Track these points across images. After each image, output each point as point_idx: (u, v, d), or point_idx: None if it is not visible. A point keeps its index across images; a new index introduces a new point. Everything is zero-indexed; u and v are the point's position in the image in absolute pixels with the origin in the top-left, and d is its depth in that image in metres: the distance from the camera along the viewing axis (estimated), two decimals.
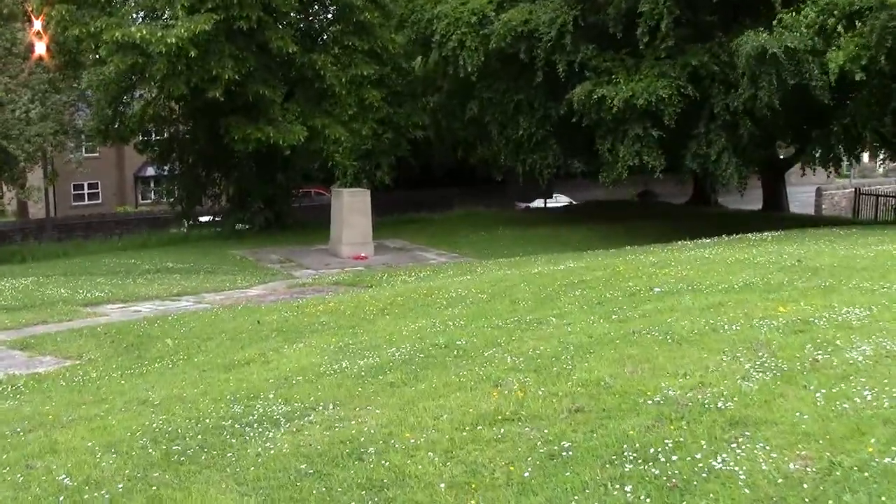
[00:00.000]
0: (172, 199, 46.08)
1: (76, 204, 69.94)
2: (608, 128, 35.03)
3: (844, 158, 42.46)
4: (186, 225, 45.23)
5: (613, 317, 11.17)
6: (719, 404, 6.94)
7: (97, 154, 66.18)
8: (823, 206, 57.79)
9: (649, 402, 7.29)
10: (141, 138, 45.18)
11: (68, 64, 44.07)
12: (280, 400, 9.06)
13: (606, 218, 44.26)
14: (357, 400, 8.63)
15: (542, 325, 11.30)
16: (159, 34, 33.32)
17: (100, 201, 71.36)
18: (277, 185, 44.38)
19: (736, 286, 12.69)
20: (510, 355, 9.53)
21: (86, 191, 71.12)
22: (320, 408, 8.49)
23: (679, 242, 28.28)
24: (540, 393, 7.89)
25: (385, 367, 9.92)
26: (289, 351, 12.55)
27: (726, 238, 27.28)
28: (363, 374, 9.74)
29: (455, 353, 10.17)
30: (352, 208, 34.84)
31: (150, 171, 64.44)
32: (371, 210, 35.59)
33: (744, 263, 15.49)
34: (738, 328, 9.48)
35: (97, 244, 40.24)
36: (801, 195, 57.92)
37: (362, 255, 34.08)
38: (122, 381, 11.81)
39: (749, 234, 27.75)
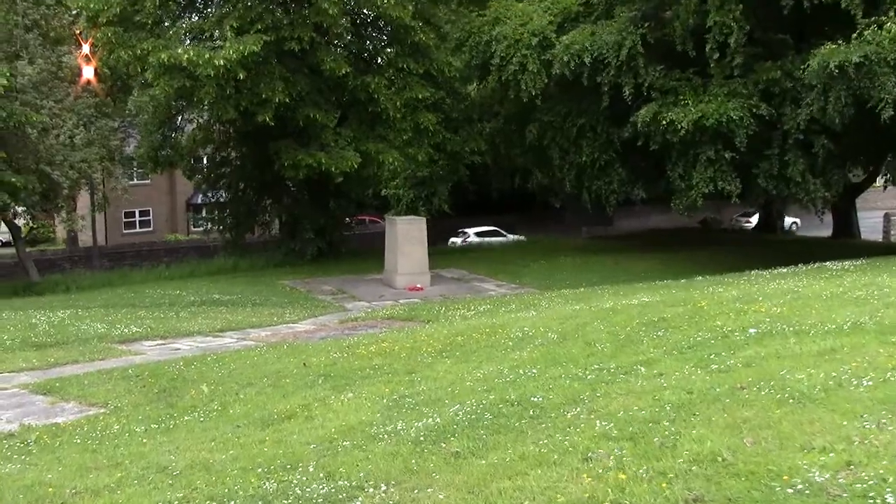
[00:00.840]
0: (222, 227, 44.82)
1: (127, 232, 69.22)
2: (678, 152, 33.37)
3: None
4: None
5: (712, 366, 9.57)
6: (889, 498, 5.33)
7: (149, 181, 65.48)
8: (893, 232, 55.63)
9: (789, 489, 5.68)
10: (191, 163, 43.92)
11: (116, 89, 43.13)
12: (322, 474, 7.51)
13: (669, 246, 42.64)
14: (415, 477, 7.07)
15: (628, 377, 9.71)
16: (207, 56, 32.03)
17: (151, 229, 70.59)
18: (330, 213, 42.99)
19: (844, 327, 11.01)
20: (597, 417, 7.96)
21: (137, 218, 70.43)
22: (370, 487, 6.94)
23: (752, 272, 26.73)
24: (642, 472, 6.31)
25: (447, 429, 8.35)
26: (336, 402, 11.04)
27: (804, 267, 25.65)
28: (422, 438, 8.17)
29: (530, 412, 8.60)
30: (407, 237, 33.38)
31: (202, 199, 63.54)
32: (427, 238, 34.13)
33: (841, 299, 13.79)
34: (870, 383, 7.87)
35: (143, 274, 38.95)
36: (867, 220, 55.72)
37: (418, 285, 32.62)
38: (145, 440, 10.34)
39: (827, 263, 26.10)
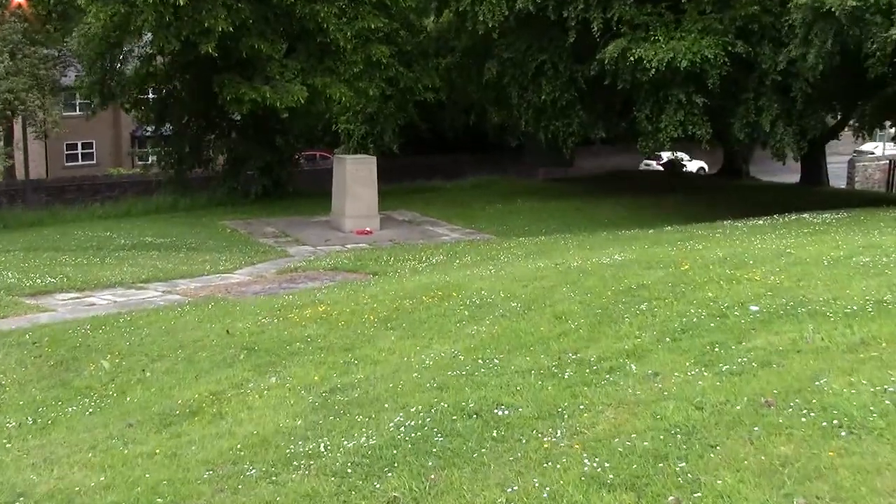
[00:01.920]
0: (163, 163, 42.21)
1: (69, 164, 66.28)
2: (646, 92, 31.37)
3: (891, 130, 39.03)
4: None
5: (720, 365, 7.66)
6: None
7: (89, 111, 62.60)
8: (856, 179, 54.14)
9: None
10: (135, 97, 41.06)
11: (57, 14, 40.42)
12: None
13: (632, 190, 40.71)
14: None
15: (616, 377, 7.76)
16: None
17: (94, 161, 67.57)
18: (276, 150, 40.55)
19: (866, 308, 9.14)
20: (583, 446, 6.04)
21: (80, 150, 67.44)
22: None
23: (724, 223, 25.02)
24: None
25: (384, 455, 6.38)
26: (254, 392, 9.10)
27: (780, 219, 24.01)
28: (349, 471, 6.20)
29: (493, 432, 6.64)
30: (356, 177, 31.23)
31: (147, 132, 60.67)
32: (377, 179, 32.00)
33: (846, 266, 11.91)
34: None
35: (75, 212, 36.31)
36: (830, 167, 54.05)
37: (367, 229, 30.57)
38: (10, 443, 8.33)
39: (805, 215, 24.50)
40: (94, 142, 67.30)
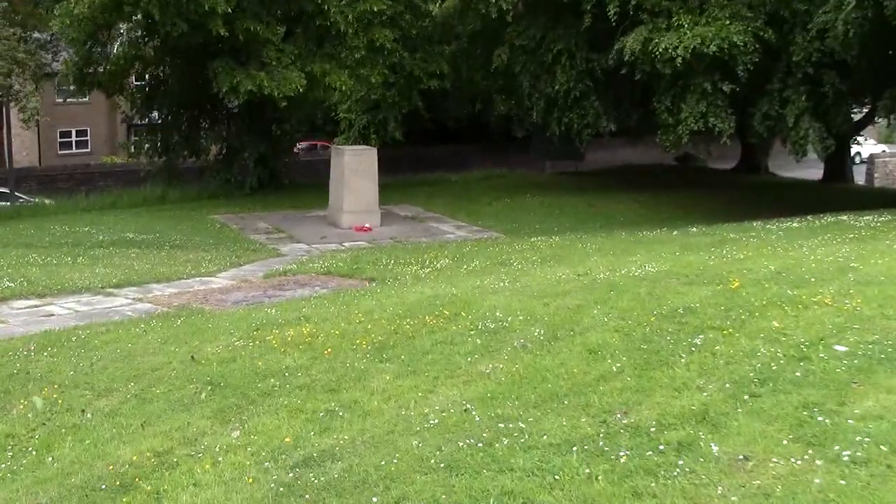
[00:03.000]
0: (152, 153, 39.94)
1: (63, 153, 64.18)
2: (667, 82, 29.26)
3: None
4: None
5: (834, 447, 5.59)
6: None
7: (87, 98, 60.54)
8: (876, 176, 51.96)
9: None
10: (122, 84, 38.66)
11: None
12: None
13: (647, 186, 38.56)
14: None
15: (689, 460, 5.66)
16: None
17: (89, 150, 65.39)
18: (273, 139, 38.39)
19: None
20: None
21: (74, 138, 65.28)
22: None
23: (754, 224, 23.11)
24: None
25: None
26: (206, 459, 7.05)
27: (816, 221, 22.09)
28: None
29: None
30: (355, 170, 29.14)
31: (145, 120, 58.37)
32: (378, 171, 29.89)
33: None
34: None
35: (57, 203, 34.03)
36: None
37: (366, 225, 28.54)
38: None
39: (843, 217, 22.52)
40: (88, 129, 65.19)
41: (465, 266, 17.64)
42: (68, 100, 61.80)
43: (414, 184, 40.69)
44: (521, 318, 10.87)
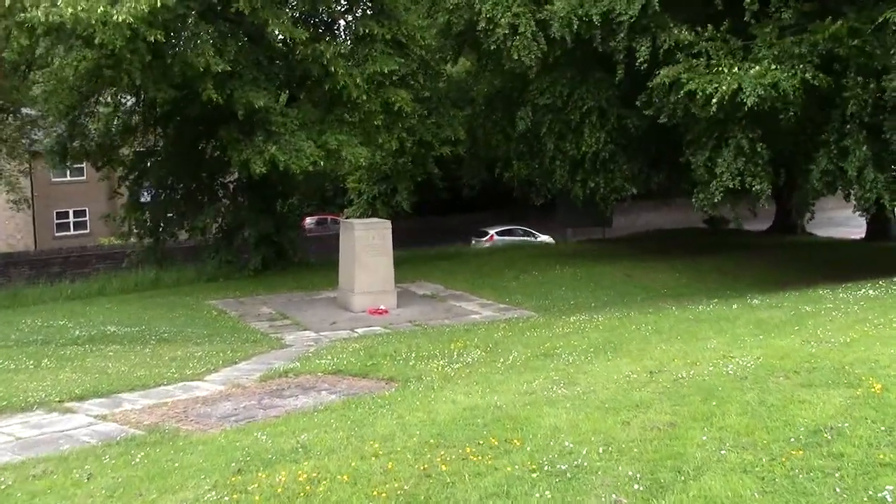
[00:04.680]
0: (141, 233, 36.84)
1: (60, 234, 61.46)
2: (702, 132, 26.27)
3: None
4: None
5: None
6: None
7: (83, 177, 58.03)
8: None
9: None
10: (109, 156, 35.64)
11: (25, 68, 35.53)
12: None
13: (682, 251, 35.54)
14: None
15: None
16: (100, 10, 23.96)
17: (88, 231, 62.61)
18: (278, 215, 35.32)
19: None
20: None
21: (71, 219, 62.62)
22: None
23: (822, 292, 20.17)
24: None
25: None
26: None
27: (893, 288, 19.25)
28: None
29: None
30: (367, 245, 26.10)
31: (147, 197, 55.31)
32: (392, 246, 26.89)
33: None
34: None
35: (39, 290, 30.54)
36: (827, 216, 48.84)
37: (381, 308, 25.51)
38: None
39: None
40: (86, 209, 62.50)
41: (501, 360, 14.53)
42: (67, 178, 59.46)
43: (430, 258, 37.70)
44: (598, 448, 7.87)
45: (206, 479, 8.54)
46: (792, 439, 7.43)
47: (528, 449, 8.15)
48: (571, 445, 8.03)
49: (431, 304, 27.17)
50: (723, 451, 7.35)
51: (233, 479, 8.43)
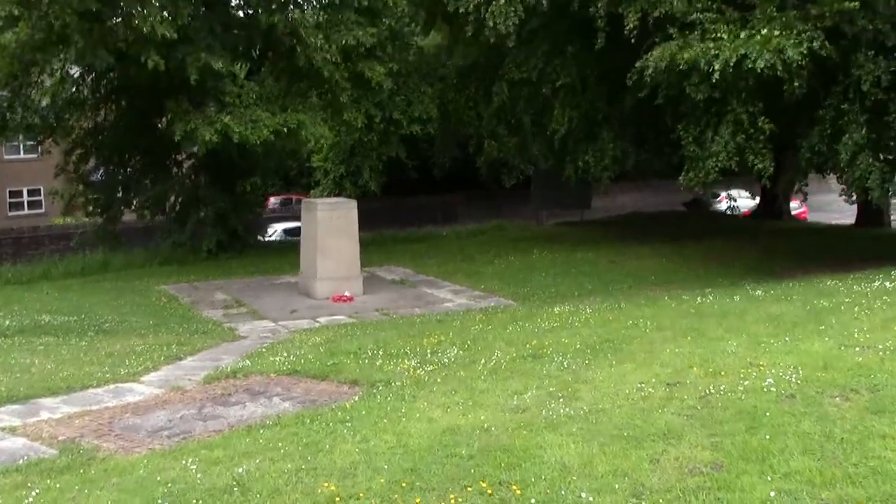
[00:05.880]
0: (89, 211, 34.62)
1: (14, 214, 59.21)
2: (699, 109, 24.18)
3: None
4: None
5: None
6: None
7: (36, 154, 55.61)
8: (893, 217, 47.19)
9: None
10: (54, 129, 33.35)
11: None
12: None
13: (664, 236, 33.56)
14: None
15: None
16: None
17: (43, 210, 60.24)
18: (236, 194, 33.10)
19: None
20: None
21: (25, 198, 60.39)
22: None
23: (829, 283, 18.38)
24: None
25: None
26: None
27: None
28: None
29: None
30: (330, 228, 24.00)
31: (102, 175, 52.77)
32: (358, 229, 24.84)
33: None
34: None
35: None
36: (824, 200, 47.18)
37: (345, 294, 23.46)
38: None
39: None
40: (41, 188, 60.08)
41: (482, 360, 12.52)
42: (21, 155, 57.22)
43: (399, 240, 35.66)
44: (625, 501, 5.89)
45: None
46: (880, 489, 5.52)
47: (533, 499, 6.18)
48: (589, 497, 6.07)
49: (400, 290, 25.13)
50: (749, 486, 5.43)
51: None
